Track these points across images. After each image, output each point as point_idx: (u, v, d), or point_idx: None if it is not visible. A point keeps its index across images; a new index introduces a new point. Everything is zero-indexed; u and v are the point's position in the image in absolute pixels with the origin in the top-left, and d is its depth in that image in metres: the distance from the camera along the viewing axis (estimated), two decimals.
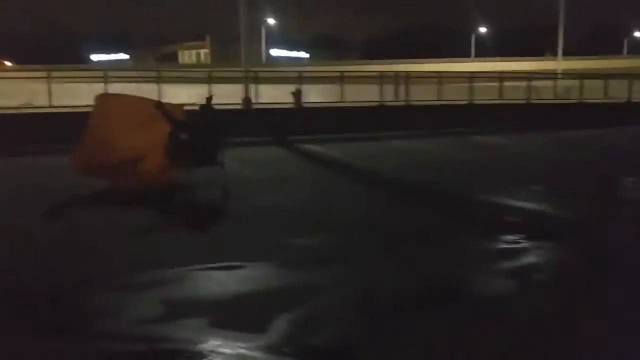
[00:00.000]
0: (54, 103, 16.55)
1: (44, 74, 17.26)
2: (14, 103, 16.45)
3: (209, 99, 10.74)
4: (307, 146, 16.32)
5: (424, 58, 48.59)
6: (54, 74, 17.34)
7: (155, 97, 12.76)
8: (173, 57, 64.38)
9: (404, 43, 63.21)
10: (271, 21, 60.60)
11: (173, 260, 6.29)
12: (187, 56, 63.39)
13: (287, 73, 24.37)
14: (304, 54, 65.98)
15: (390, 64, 36.10)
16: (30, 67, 28.20)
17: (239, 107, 18.93)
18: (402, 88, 21.09)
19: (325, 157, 14.74)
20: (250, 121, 18.15)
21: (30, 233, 7.48)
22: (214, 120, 10.11)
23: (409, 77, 21.40)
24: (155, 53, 65.65)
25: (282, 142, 16.98)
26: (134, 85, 16.43)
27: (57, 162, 11.35)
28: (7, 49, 57.65)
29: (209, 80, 18.72)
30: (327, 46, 66.72)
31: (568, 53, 35.37)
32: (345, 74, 21.31)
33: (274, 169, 12.69)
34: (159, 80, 17.79)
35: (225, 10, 71.28)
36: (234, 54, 57.51)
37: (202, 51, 63.08)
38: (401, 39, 68.09)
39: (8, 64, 55.32)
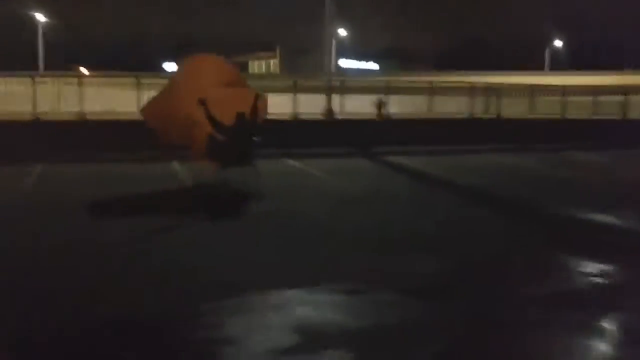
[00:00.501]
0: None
1: (132, 80, 17.40)
2: (97, 108, 16.60)
3: (255, 104, 10.28)
4: (392, 158, 15.82)
5: (499, 70, 47.21)
6: (142, 80, 17.38)
7: None
8: (243, 67, 65.01)
9: (474, 55, 61.84)
10: (340, 32, 60.59)
11: (280, 280, 5.88)
12: (257, 66, 64.01)
13: (363, 83, 23.81)
14: (373, 65, 65.48)
15: (472, 75, 34.99)
16: (112, 73, 28.67)
17: (320, 117, 18.61)
18: (492, 100, 20.32)
19: (413, 170, 14.16)
20: (333, 132, 17.84)
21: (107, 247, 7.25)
22: (250, 125, 10.03)
23: (499, 89, 20.62)
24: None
25: (366, 153, 16.55)
26: None
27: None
28: (78, 55, 59.03)
29: (295, 89, 18.44)
30: (396, 57, 66.03)
31: None
32: (432, 84, 20.65)
33: (361, 180, 12.26)
34: None
35: (293, 22, 71.95)
36: (302, 65, 58.05)
37: (272, 61, 63.65)
38: (470, 50, 66.73)
39: (84, 70, 56.55)
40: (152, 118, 10.42)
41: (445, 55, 66.99)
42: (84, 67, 55.26)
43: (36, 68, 41.73)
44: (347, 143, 17.27)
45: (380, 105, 19.15)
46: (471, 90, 20.11)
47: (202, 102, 9.65)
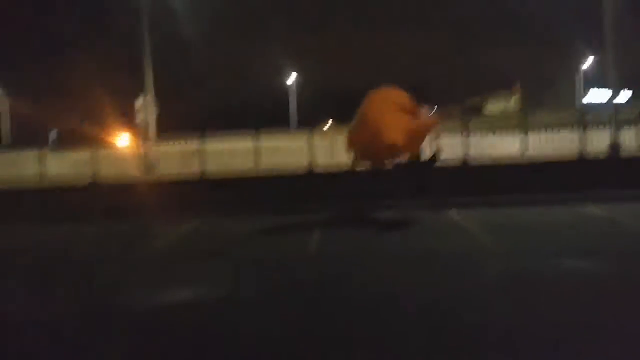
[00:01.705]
0: None
1: None
2: None
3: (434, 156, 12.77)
4: None
5: None
6: None
7: None
8: (478, 108, 63.05)
9: None
10: (589, 62, 56.27)
11: None
12: (494, 105, 61.62)
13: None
14: (626, 94, 59.09)
15: None
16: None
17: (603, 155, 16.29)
18: None
19: None
20: (621, 170, 15.41)
21: None
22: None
23: None
24: (460, 105, 64.99)
25: None
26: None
27: None
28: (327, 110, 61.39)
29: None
30: None
31: None
32: None
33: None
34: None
35: (536, 55, 68.27)
36: (545, 100, 54.43)
37: (513, 98, 60.76)
38: None
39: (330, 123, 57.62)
40: (351, 145, 12.69)
41: None
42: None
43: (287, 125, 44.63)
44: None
45: None
46: None
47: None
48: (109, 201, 14.82)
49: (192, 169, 16.93)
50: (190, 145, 18.01)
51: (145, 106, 22.11)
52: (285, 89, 51.50)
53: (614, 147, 16.33)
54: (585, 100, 55.77)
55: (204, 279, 8.18)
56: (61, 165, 18.61)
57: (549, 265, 8.05)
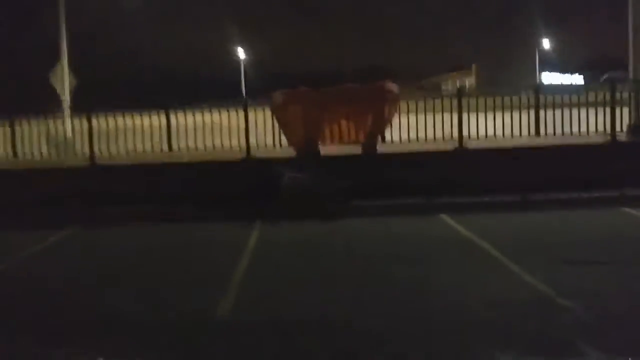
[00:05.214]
0: None
1: None
2: None
3: None
4: None
5: None
6: None
7: None
8: (435, 87, 59.13)
9: None
10: (544, 43, 52.99)
11: None
12: (450, 85, 57.39)
13: None
14: (577, 78, 55.81)
15: None
16: None
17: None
18: None
19: None
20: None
21: None
22: None
23: None
24: (415, 84, 60.92)
25: None
26: None
27: None
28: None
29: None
30: (603, 68, 55.51)
31: None
32: None
33: None
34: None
35: (489, 40, 64.48)
36: (501, 81, 50.51)
37: (467, 79, 56.55)
38: None
39: None
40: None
41: None
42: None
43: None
44: None
45: None
46: None
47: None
48: None
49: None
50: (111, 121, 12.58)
51: (60, 75, 17.08)
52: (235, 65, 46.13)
53: (636, 128, 11.95)
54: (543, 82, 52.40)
55: None
56: None
57: None
